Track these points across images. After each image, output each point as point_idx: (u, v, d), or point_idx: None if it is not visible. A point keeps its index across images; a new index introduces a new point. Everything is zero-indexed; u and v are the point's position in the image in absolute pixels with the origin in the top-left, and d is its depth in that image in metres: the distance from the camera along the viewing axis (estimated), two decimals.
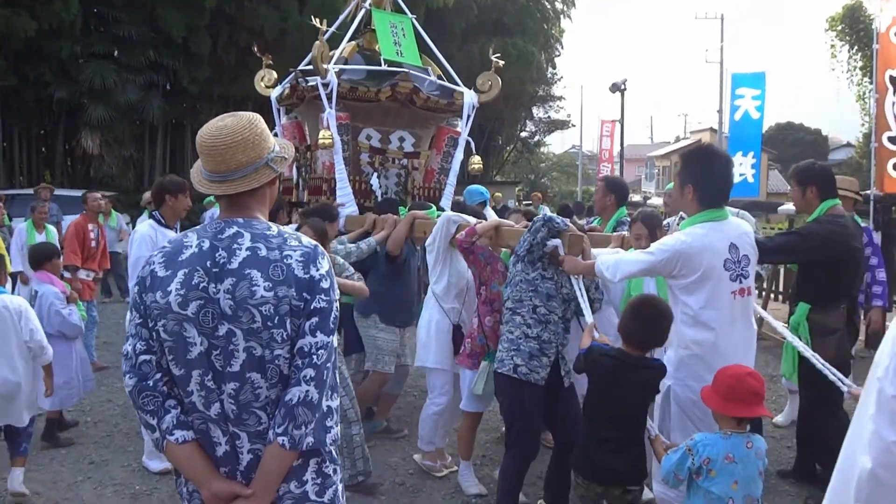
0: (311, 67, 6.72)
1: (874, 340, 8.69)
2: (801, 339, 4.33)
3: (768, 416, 3.37)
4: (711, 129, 38.66)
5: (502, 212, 6.52)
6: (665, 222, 5.50)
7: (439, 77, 7.31)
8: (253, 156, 2.24)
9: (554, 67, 34.72)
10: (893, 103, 8.82)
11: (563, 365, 4.23)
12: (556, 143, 57.19)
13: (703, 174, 3.60)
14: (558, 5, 31.29)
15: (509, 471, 4.25)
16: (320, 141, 6.33)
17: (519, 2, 27.53)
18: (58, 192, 14.72)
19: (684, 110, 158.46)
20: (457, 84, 7.24)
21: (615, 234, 4.94)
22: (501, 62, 7.27)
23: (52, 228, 9.66)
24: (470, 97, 7.05)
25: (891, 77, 8.91)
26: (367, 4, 7.16)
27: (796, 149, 48.83)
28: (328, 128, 6.34)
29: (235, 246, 2.18)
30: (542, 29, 29.58)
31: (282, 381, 2.18)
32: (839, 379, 3.71)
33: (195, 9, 19.33)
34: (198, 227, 2.35)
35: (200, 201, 13.86)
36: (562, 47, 33.49)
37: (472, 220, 5.08)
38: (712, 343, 3.45)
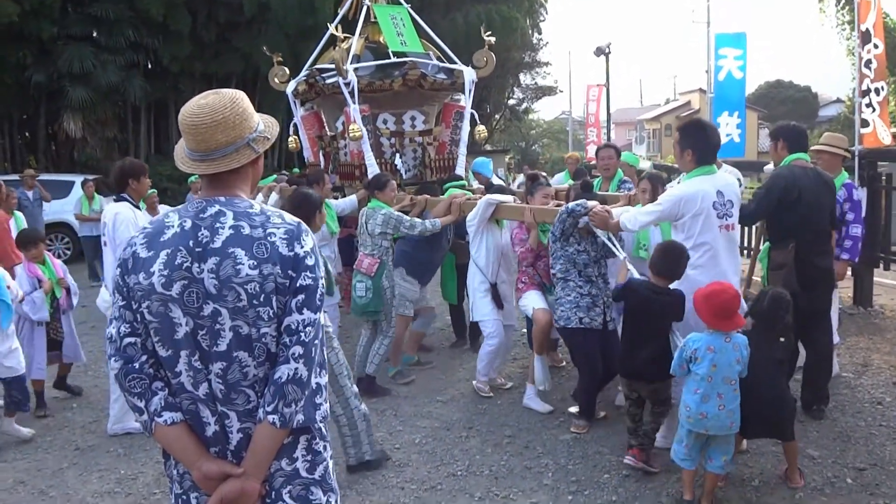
0: (325, 66, 7.67)
1: (862, 298, 8.74)
2: (763, 271, 5.53)
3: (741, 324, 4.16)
4: (700, 90, 38.48)
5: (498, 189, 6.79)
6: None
7: (438, 59, 8.05)
8: (234, 136, 2.21)
9: (539, 33, 34.38)
10: (866, 60, 8.81)
11: (609, 313, 5.31)
12: (546, 110, 57.21)
13: (697, 140, 4.64)
14: None
15: (585, 387, 5.38)
16: (351, 135, 7.16)
17: None
18: (43, 177, 14.63)
19: (673, 72, 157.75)
20: (454, 62, 8.02)
21: (623, 193, 6.55)
22: (492, 38, 7.90)
23: (19, 215, 9.50)
24: (469, 74, 7.81)
25: (863, 31, 8.87)
26: (367, 1, 7.92)
27: (786, 107, 48.69)
28: (355, 121, 7.13)
29: (218, 225, 2.15)
30: None
31: (269, 359, 2.17)
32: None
33: None
34: (179, 206, 2.32)
35: (185, 181, 13.78)
36: (546, 12, 33.09)
37: (507, 198, 6.13)
38: (706, 262, 4.51)
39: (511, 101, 37.87)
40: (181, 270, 2.12)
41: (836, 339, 6.22)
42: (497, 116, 36.77)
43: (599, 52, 23.04)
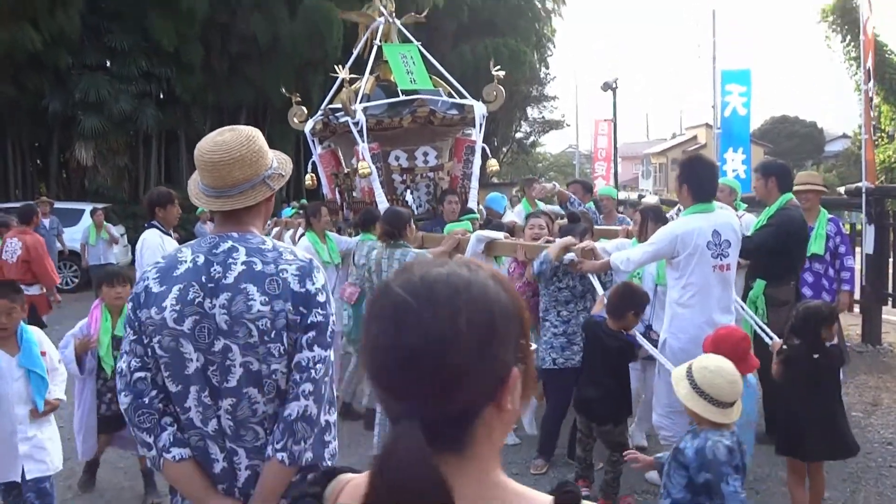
0: (338, 105, 7.66)
1: (871, 335, 8.71)
2: (757, 311, 5.39)
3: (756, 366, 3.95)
4: (707, 125, 38.57)
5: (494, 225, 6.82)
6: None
7: (449, 94, 8.10)
8: (250, 173, 2.23)
9: (547, 67, 34.74)
10: (871, 96, 8.89)
11: None
12: (553, 143, 57.41)
13: (692, 177, 4.58)
14: (549, 4, 31.27)
15: (549, 417, 5.33)
16: (360, 172, 7.22)
17: (510, 2, 27.51)
18: (57, 204, 14.74)
19: (679, 107, 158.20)
20: (465, 97, 8.05)
21: (621, 227, 6.58)
22: (502, 73, 7.92)
23: None
24: (480, 108, 7.82)
25: (867, 70, 8.95)
26: (377, 42, 8.04)
27: (791, 142, 48.74)
28: (364, 159, 7.19)
29: (230, 261, 2.16)
30: (534, 28, 29.58)
31: (279, 396, 2.17)
32: (766, 333, 4.89)
33: (186, 18, 19.30)
34: (192, 241, 2.33)
35: (193, 211, 13.87)
36: (554, 46, 33.48)
37: (498, 234, 6.07)
38: (696, 302, 4.43)
39: (518, 135, 38.08)
40: (193, 306, 2.13)
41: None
42: (504, 149, 36.94)
43: (607, 86, 23.10)
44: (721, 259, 4.45)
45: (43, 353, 4.01)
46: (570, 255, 5.04)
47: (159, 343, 2.14)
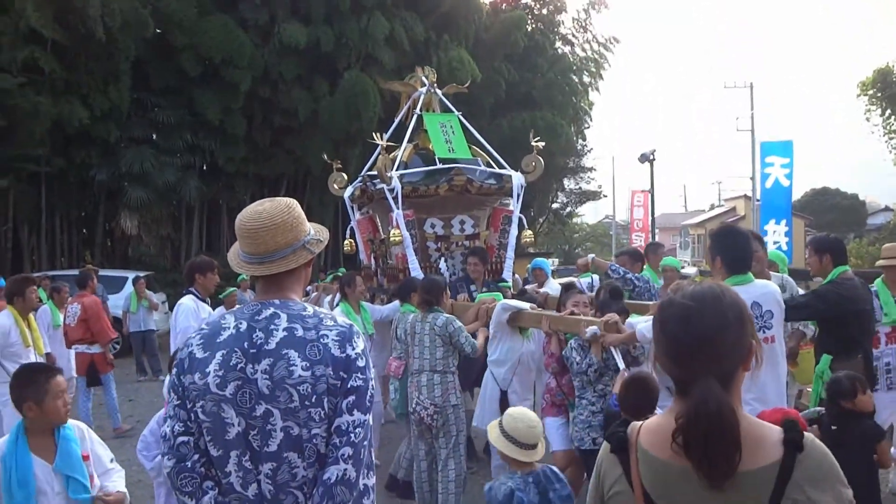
0: (375, 172, 7.68)
1: None
2: (823, 386, 5.03)
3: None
4: (746, 197, 38.42)
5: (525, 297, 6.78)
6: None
7: (487, 164, 8.14)
8: (290, 238, 2.31)
9: (584, 139, 35.00)
10: None
11: None
12: (590, 214, 57.30)
13: (726, 248, 4.37)
14: (586, 79, 31.68)
15: None
16: (392, 239, 7.27)
17: (546, 76, 27.92)
18: (101, 272, 15.04)
19: (717, 178, 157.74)
20: (503, 167, 8.07)
21: (653, 302, 6.08)
22: (542, 144, 7.98)
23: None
24: (518, 179, 7.86)
25: None
26: (418, 111, 8.14)
27: (833, 214, 48.23)
28: (397, 226, 7.23)
29: (272, 327, 2.21)
30: (571, 102, 29.88)
31: (319, 460, 2.19)
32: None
33: (230, 92, 19.91)
34: (235, 309, 2.39)
35: (234, 278, 14.05)
36: (590, 119, 33.75)
37: (523, 304, 5.97)
38: (744, 380, 3.90)
39: (555, 205, 38.22)
40: (235, 371, 2.17)
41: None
42: (541, 220, 37.06)
43: (644, 158, 23.29)
44: (764, 331, 4.20)
45: (85, 458, 3.35)
46: (593, 329, 4.92)
47: (202, 408, 2.18)
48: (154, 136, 20.75)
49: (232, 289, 10.68)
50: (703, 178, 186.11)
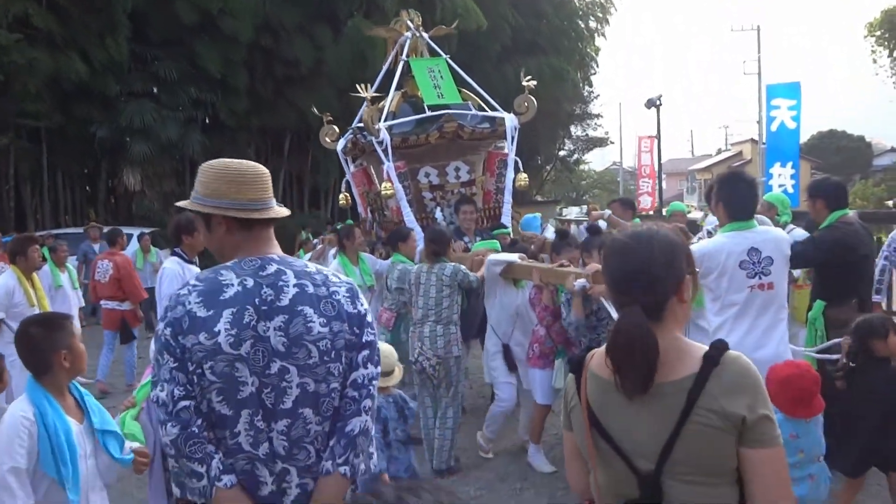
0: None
1: None
2: (816, 332, 5.17)
3: (821, 409, 3.70)
4: (752, 141, 38.11)
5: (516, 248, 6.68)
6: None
7: (479, 107, 7.90)
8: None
9: (590, 85, 34.65)
10: None
11: None
12: (597, 161, 56.95)
13: (729, 194, 4.29)
14: (592, 24, 31.22)
15: None
16: (383, 192, 7.12)
17: (553, 22, 27.54)
18: (105, 229, 14.90)
19: (724, 122, 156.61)
20: (496, 110, 7.85)
21: None
22: (533, 82, 7.81)
23: (72, 268, 9.18)
24: (511, 121, 7.66)
25: None
26: (404, 57, 7.90)
27: (839, 157, 47.87)
28: (389, 179, 7.08)
29: (281, 283, 2.19)
30: (577, 48, 29.50)
31: (333, 414, 2.22)
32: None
33: (232, 44, 19.57)
34: (230, 264, 2.27)
35: None
36: (597, 65, 33.37)
37: (512, 257, 5.82)
38: (729, 325, 4.10)
39: (562, 153, 37.99)
40: (249, 329, 2.12)
41: None
42: (548, 167, 36.85)
43: (650, 104, 22.89)
44: (761, 278, 4.09)
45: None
46: (581, 282, 4.83)
47: (211, 369, 2.11)
48: (155, 90, 20.46)
49: None
50: (710, 123, 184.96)
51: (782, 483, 1.74)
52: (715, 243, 4.21)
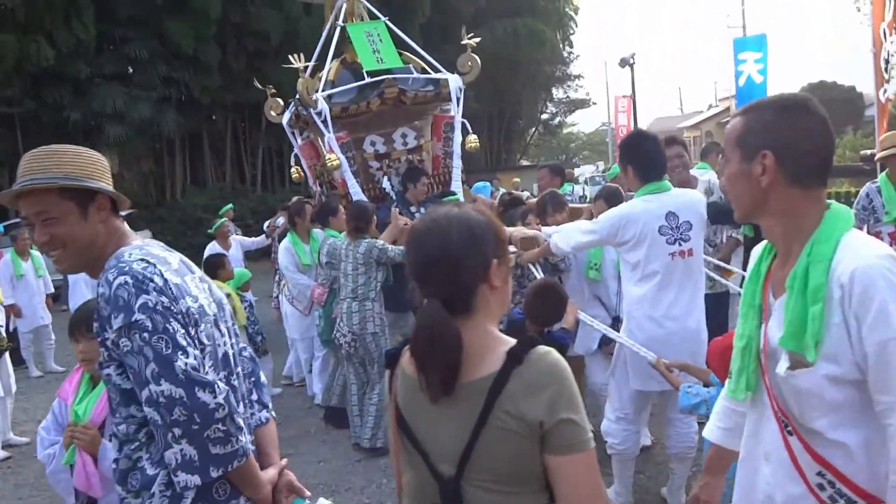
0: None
1: None
2: None
3: None
4: (733, 97, 37.93)
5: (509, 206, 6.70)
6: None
7: (422, 70, 7.56)
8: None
9: (570, 46, 34.35)
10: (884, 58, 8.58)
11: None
12: (585, 122, 56.66)
13: (637, 155, 4.06)
14: None
15: None
16: (328, 164, 6.84)
17: None
18: None
19: (714, 78, 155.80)
20: (439, 71, 7.54)
21: (585, 206, 6.32)
22: (476, 40, 7.58)
23: (37, 255, 9.10)
24: (455, 81, 7.36)
25: (883, 31, 8.63)
26: (340, 23, 7.54)
27: (830, 108, 47.11)
28: (332, 150, 6.79)
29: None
30: (555, 7, 29.20)
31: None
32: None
33: (201, 19, 19.41)
34: (142, 242, 2.19)
35: (218, 212, 13.84)
36: (576, 25, 33.04)
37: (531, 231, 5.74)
38: (652, 295, 3.93)
39: (544, 116, 37.78)
40: (209, 294, 2.26)
41: None
42: (531, 131, 36.71)
43: (624, 63, 22.81)
44: (680, 244, 3.90)
45: None
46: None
47: (204, 332, 2.09)
48: (130, 71, 20.28)
49: (223, 219, 10.51)
50: (699, 80, 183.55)
51: (594, 492, 1.59)
52: (632, 208, 3.99)
